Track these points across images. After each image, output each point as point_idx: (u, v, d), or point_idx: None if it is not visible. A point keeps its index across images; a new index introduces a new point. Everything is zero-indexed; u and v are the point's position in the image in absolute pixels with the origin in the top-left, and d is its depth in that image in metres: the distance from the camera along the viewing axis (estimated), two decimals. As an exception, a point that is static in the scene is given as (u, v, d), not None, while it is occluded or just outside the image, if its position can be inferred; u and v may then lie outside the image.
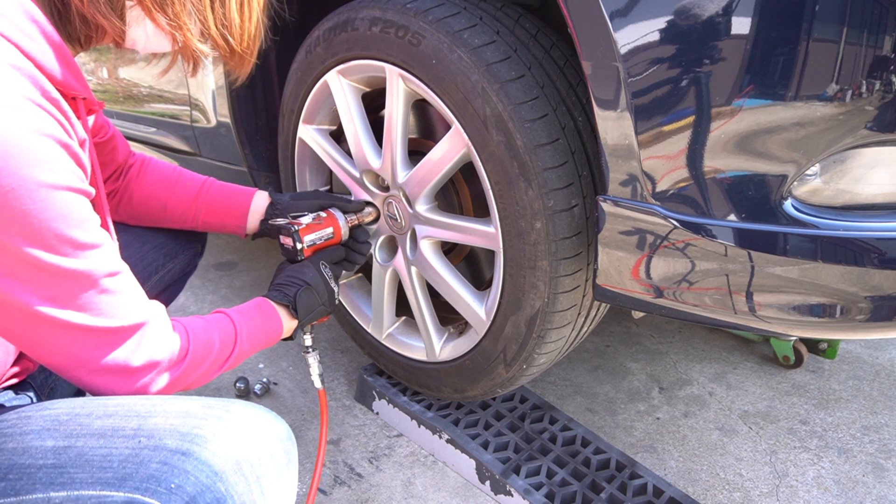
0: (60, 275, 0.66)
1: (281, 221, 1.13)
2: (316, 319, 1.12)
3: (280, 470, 0.70)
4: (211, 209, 1.19)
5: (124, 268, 0.74)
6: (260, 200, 1.21)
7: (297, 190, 1.49)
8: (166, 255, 1.19)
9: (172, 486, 0.61)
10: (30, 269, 0.64)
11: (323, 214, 1.16)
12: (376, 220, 1.30)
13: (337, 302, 1.13)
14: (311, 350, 1.19)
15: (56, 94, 0.68)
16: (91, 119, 0.98)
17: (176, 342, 0.79)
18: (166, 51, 0.79)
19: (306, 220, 1.13)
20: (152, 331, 0.76)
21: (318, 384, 1.21)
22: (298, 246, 1.11)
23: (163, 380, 0.77)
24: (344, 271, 1.20)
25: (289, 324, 1.04)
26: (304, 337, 1.18)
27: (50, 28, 0.68)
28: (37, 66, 0.67)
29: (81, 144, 0.75)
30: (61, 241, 0.65)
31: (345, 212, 1.20)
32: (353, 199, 1.31)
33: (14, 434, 0.67)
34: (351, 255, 1.20)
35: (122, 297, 0.72)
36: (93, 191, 0.70)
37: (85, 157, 0.72)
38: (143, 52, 0.79)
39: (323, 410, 1.18)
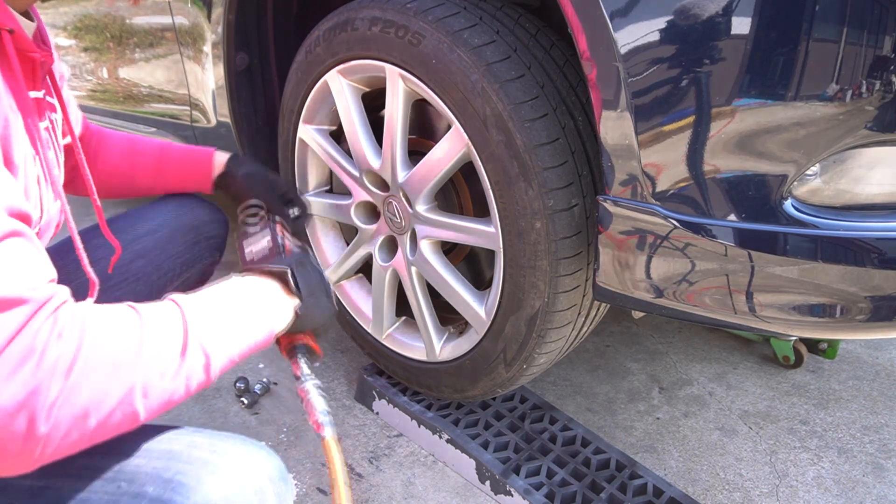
0: None
1: (253, 227, 1.02)
2: (317, 320, 0.84)
3: None
4: (176, 173, 1.21)
5: (22, 228, 0.56)
6: (220, 159, 1.23)
7: (298, 188, 1.48)
8: (184, 264, 1.18)
9: None
10: None
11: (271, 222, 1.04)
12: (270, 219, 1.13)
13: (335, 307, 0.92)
14: (306, 379, 0.81)
15: None
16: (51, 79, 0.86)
17: (72, 340, 0.55)
18: None
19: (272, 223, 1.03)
20: (41, 316, 0.53)
21: (326, 432, 0.78)
22: (286, 243, 0.95)
23: (47, 394, 0.52)
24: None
25: (287, 303, 0.80)
26: (300, 361, 0.81)
27: None
28: None
29: None
30: None
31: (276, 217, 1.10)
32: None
33: None
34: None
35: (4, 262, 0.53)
36: None
37: None
38: None
39: (331, 469, 0.78)
